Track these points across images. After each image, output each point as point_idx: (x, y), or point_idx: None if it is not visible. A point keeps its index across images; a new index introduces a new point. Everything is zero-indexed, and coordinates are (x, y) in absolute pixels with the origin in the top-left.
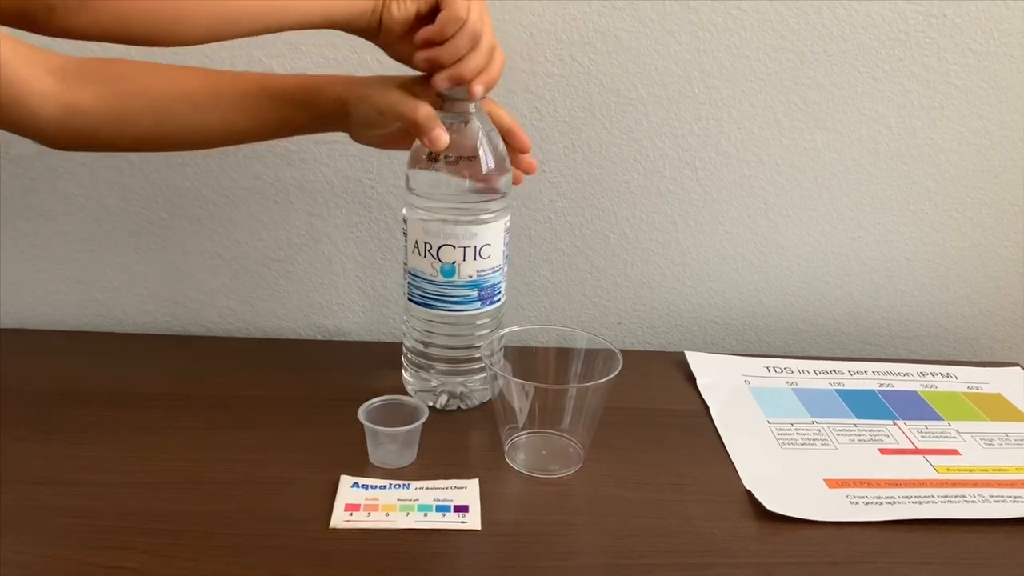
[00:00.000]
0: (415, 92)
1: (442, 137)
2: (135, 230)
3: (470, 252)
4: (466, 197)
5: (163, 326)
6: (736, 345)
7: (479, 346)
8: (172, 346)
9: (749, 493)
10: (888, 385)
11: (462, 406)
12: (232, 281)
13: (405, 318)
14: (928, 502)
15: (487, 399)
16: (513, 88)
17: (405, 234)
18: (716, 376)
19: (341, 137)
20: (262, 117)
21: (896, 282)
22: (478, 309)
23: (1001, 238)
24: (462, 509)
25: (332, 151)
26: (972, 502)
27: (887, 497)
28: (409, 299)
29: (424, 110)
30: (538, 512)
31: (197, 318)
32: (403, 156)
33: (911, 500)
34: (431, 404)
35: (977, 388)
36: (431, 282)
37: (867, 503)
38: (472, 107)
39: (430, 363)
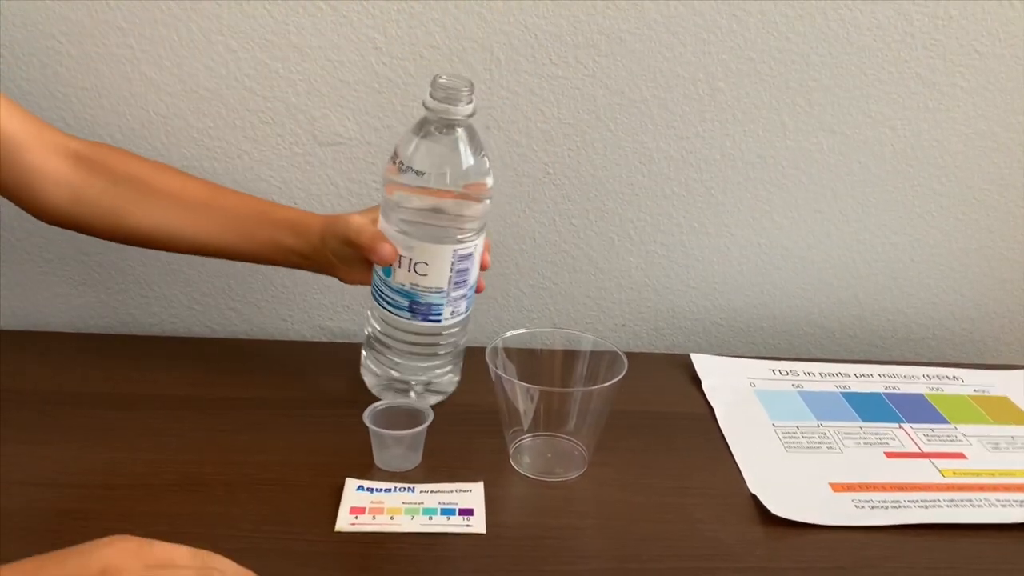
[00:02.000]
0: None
1: (385, 249)
2: None
3: (404, 261)
4: (412, 213)
5: (168, 328)
6: (741, 348)
7: (443, 344)
8: (178, 348)
9: (754, 497)
10: (894, 388)
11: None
12: (237, 283)
13: (370, 306)
14: (934, 506)
15: (452, 390)
16: (517, 90)
17: None
18: (721, 379)
19: (345, 140)
20: (255, 240)
21: (902, 284)
22: (409, 320)
23: (1008, 240)
24: (467, 512)
25: (337, 154)
26: (978, 506)
27: (893, 501)
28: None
29: (371, 232)
30: (543, 515)
31: (203, 320)
32: None
33: (917, 504)
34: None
35: (983, 391)
36: (377, 273)
37: (873, 507)
38: (459, 128)
39: (386, 350)
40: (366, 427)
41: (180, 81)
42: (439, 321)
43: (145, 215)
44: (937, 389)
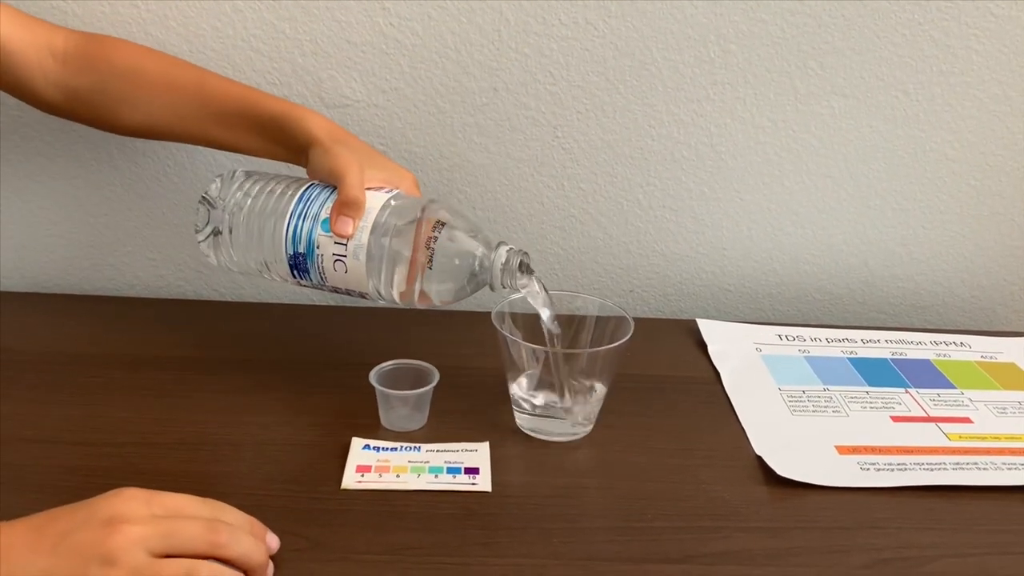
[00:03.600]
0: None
1: (346, 226)
2: (147, 194)
3: (341, 248)
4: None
5: (176, 291)
6: (749, 313)
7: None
8: (185, 310)
9: (759, 459)
10: (901, 354)
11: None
12: None
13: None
14: (940, 469)
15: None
16: (527, 51)
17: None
18: (727, 344)
19: (352, 103)
20: (239, 135)
21: (912, 251)
22: (281, 253)
23: (1020, 206)
24: (473, 472)
25: (344, 115)
26: (984, 469)
27: (898, 464)
28: (303, 191)
29: (355, 193)
30: (548, 475)
31: (210, 283)
32: (413, 121)
33: (922, 467)
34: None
35: (991, 357)
36: (320, 206)
37: (878, 469)
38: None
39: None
40: (372, 388)
41: (186, 42)
42: (289, 279)
43: (133, 111)
44: (944, 355)
